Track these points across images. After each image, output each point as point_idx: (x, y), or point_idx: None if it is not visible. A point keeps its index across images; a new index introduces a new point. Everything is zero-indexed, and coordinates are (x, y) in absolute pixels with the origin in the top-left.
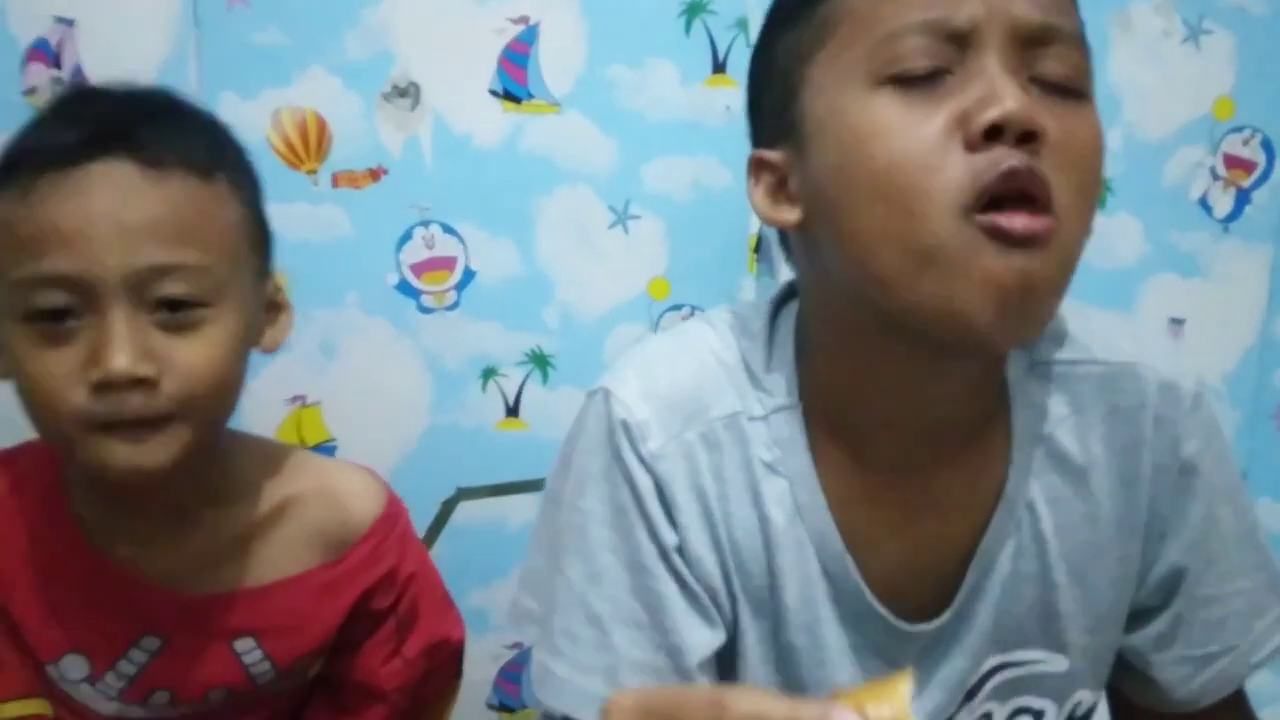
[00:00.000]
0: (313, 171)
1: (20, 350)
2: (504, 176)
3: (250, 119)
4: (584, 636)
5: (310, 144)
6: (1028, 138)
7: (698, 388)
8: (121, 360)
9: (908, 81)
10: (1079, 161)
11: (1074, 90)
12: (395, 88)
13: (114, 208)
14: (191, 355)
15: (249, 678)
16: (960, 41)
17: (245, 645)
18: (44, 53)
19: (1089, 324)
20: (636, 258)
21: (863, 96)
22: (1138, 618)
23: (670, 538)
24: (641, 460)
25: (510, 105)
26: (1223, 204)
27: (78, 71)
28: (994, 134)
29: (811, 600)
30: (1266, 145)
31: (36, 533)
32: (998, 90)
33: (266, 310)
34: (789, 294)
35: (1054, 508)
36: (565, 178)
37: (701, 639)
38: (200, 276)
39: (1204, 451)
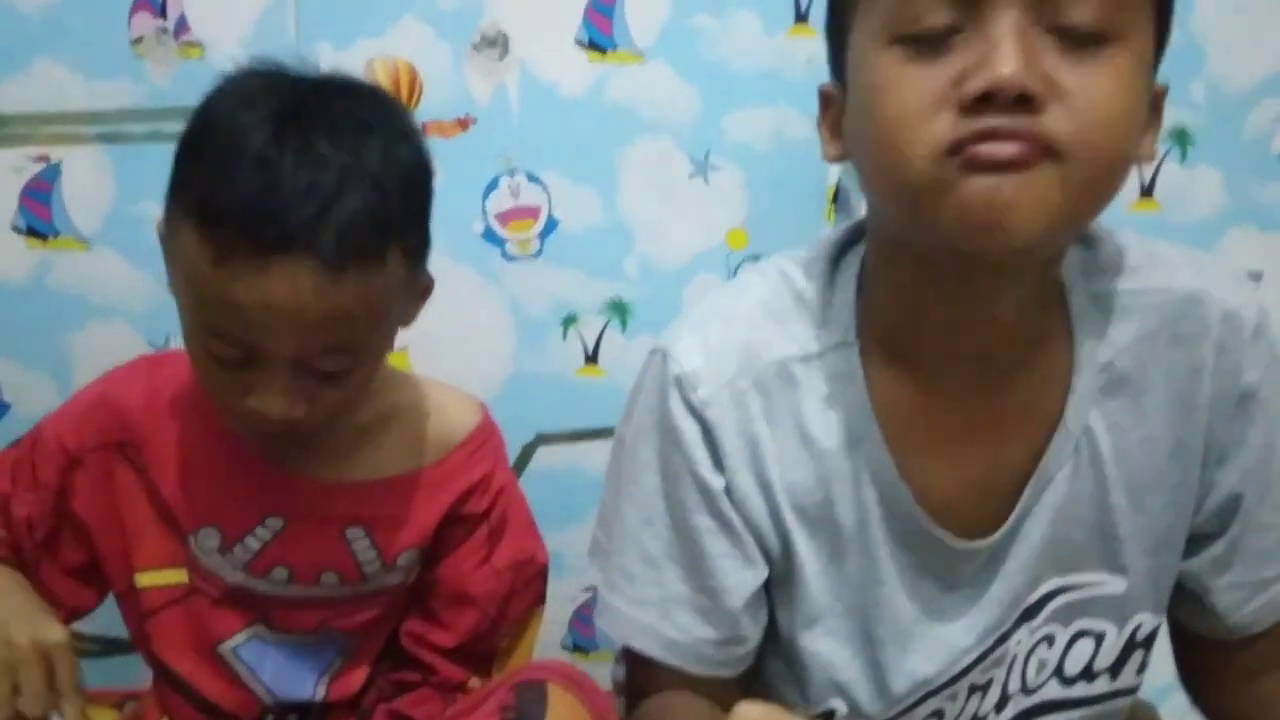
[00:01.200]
0: None
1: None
2: (588, 126)
3: (346, 68)
4: (639, 574)
5: (402, 93)
6: (1023, 100)
7: (747, 338)
8: None
9: (917, 41)
10: (1093, 107)
11: (1102, 34)
12: (484, 37)
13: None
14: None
15: (357, 564)
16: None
17: (355, 534)
18: (150, 3)
19: (1155, 253)
20: (716, 208)
21: (877, 53)
22: (1196, 543)
23: (716, 482)
24: (690, 408)
25: (595, 55)
26: None
27: (181, 22)
28: (986, 99)
29: (867, 525)
30: None
31: (184, 422)
32: (995, 54)
33: (420, 294)
34: (855, 237)
35: (1113, 433)
36: (648, 128)
37: (741, 580)
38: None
39: (1264, 380)
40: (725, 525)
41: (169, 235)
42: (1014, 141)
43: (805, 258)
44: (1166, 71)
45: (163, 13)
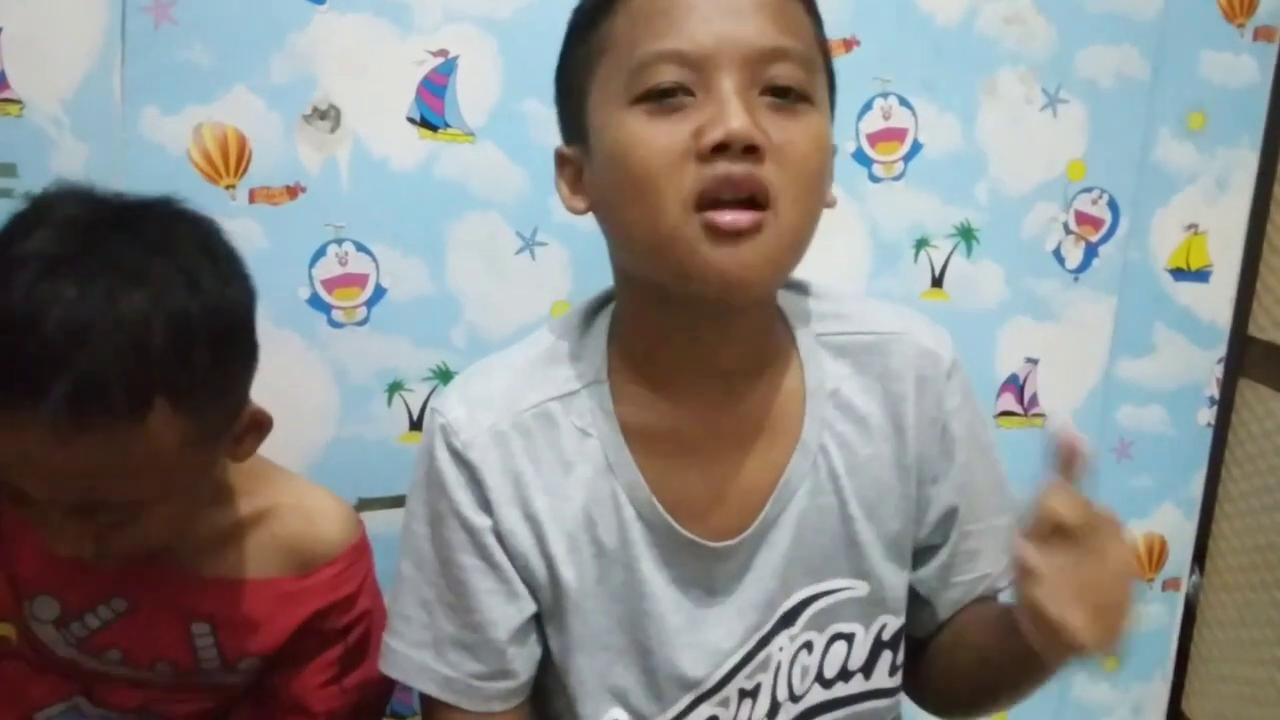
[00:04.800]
0: (231, 186)
1: None
2: (418, 200)
3: (172, 133)
4: (414, 617)
5: (230, 160)
6: (750, 150)
7: (507, 385)
8: None
9: (656, 101)
10: (796, 162)
11: (802, 95)
12: (316, 110)
13: None
14: None
15: (195, 660)
16: (699, 67)
17: (201, 629)
18: None
19: (866, 305)
20: (542, 282)
21: (621, 114)
22: (924, 554)
23: (482, 521)
24: (454, 453)
25: (426, 133)
26: (1074, 256)
27: (0, 78)
28: (721, 149)
29: (628, 541)
30: (1112, 204)
31: None
32: (725, 112)
33: (245, 432)
34: (607, 299)
35: (844, 452)
36: (476, 204)
37: (505, 614)
38: None
39: (961, 408)
40: (489, 563)
41: None
42: (747, 211)
43: (559, 322)
44: (954, 177)
45: None
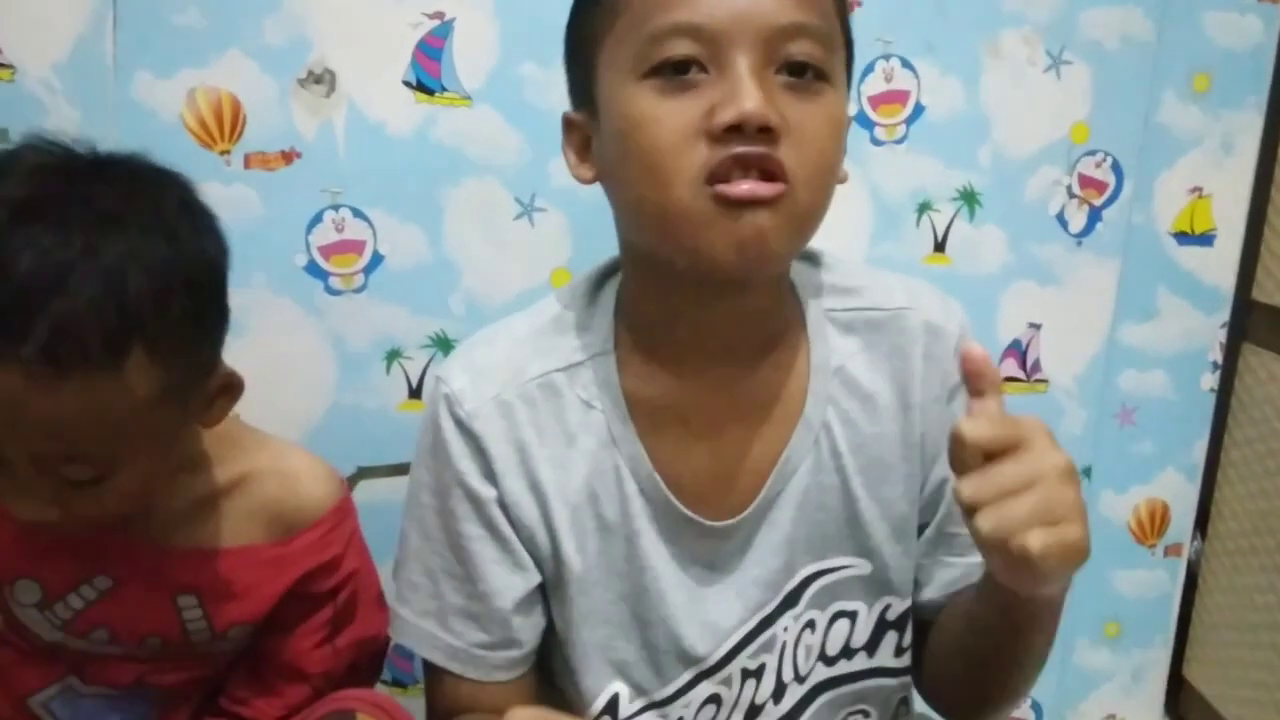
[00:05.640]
0: (225, 152)
1: None
2: (414, 165)
3: (165, 98)
4: (421, 586)
5: (224, 125)
6: (764, 131)
7: (510, 354)
8: None
9: (667, 77)
10: (812, 141)
11: (820, 73)
12: (311, 74)
13: None
14: None
15: (184, 633)
16: (713, 42)
17: (187, 602)
18: None
19: (875, 278)
20: (540, 248)
21: (632, 87)
22: (919, 531)
23: (487, 491)
24: (458, 423)
25: (423, 96)
26: (1077, 220)
27: None
28: (734, 130)
29: (629, 515)
30: (1116, 168)
31: None
32: (739, 92)
33: (216, 394)
34: (614, 268)
35: (848, 429)
36: (474, 169)
37: (510, 584)
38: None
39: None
40: (494, 533)
41: None
42: (765, 182)
43: (566, 290)
44: (957, 140)
45: None
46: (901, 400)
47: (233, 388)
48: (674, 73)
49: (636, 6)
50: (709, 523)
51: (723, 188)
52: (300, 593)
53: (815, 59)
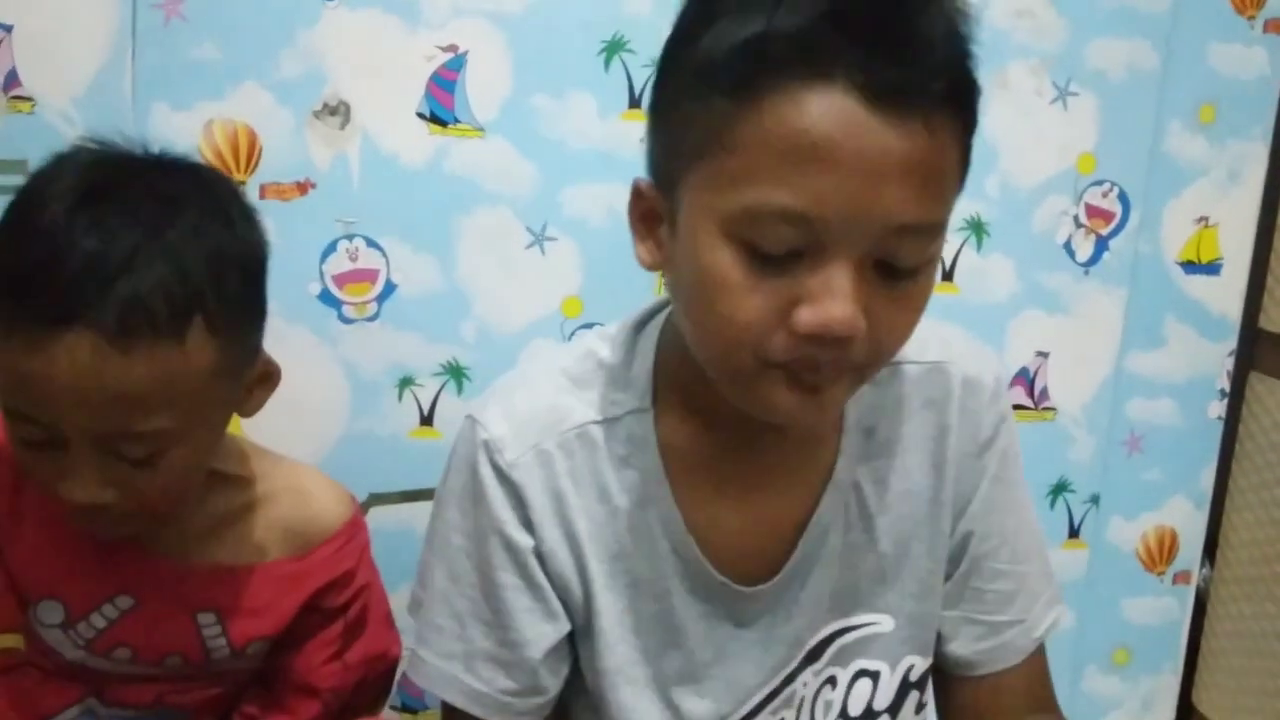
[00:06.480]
0: (242, 182)
1: None
2: (428, 195)
3: (182, 130)
4: (446, 628)
5: (240, 156)
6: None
7: (551, 403)
8: None
9: (758, 258)
10: (894, 331)
11: (924, 265)
12: (326, 106)
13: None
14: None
15: (204, 650)
16: (818, 234)
17: (207, 619)
18: None
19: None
20: (552, 277)
21: (717, 238)
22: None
23: (524, 540)
24: (498, 471)
25: (436, 128)
26: (1084, 249)
27: (12, 75)
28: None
29: (662, 574)
30: (1123, 197)
31: (37, 491)
32: (831, 299)
33: (256, 382)
34: (657, 309)
35: (878, 488)
36: (487, 199)
37: (542, 633)
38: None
39: (998, 433)
40: (529, 581)
41: None
42: (837, 371)
43: (609, 332)
44: None
45: None
46: (934, 458)
47: (271, 376)
48: (766, 258)
49: (744, 149)
50: (740, 588)
51: (792, 371)
52: (314, 607)
53: (922, 260)
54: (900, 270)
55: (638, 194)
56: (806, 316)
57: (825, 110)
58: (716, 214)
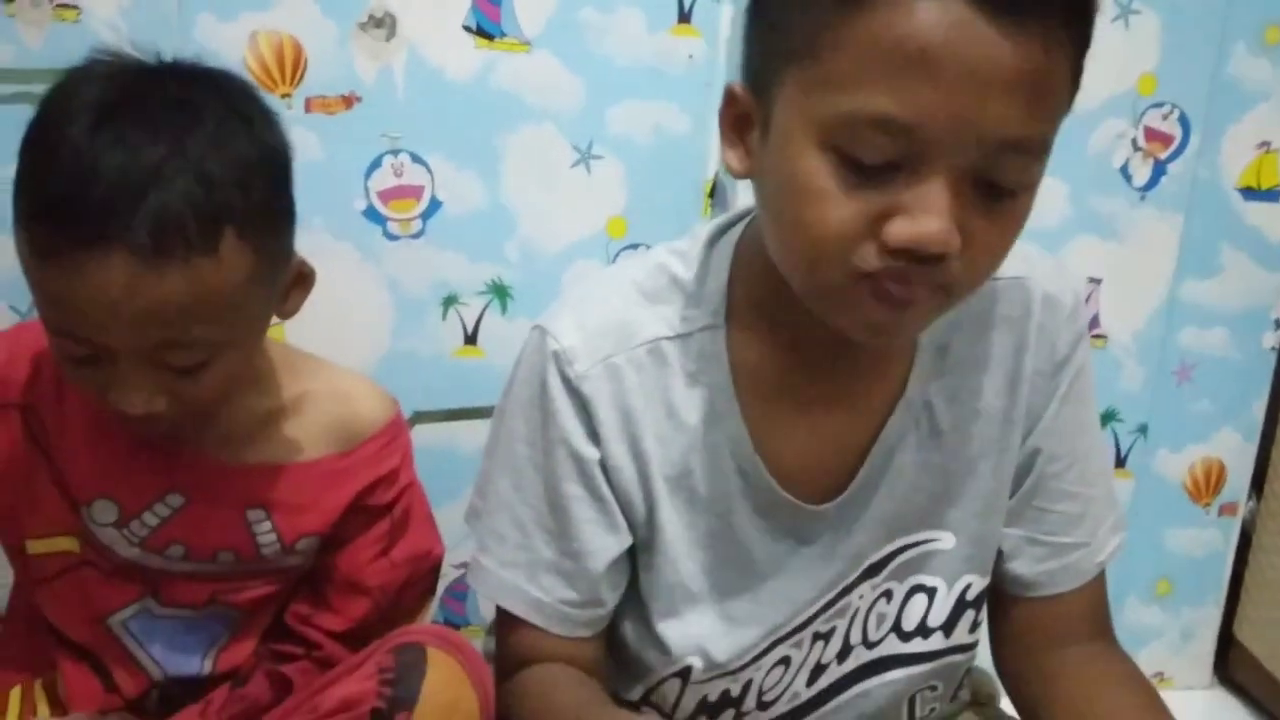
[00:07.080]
0: (287, 95)
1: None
2: (473, 111)
3: (227, 41)
4: (509, 537)
5: (285, 68)
6: (940, 255)
7: (623, 317)
8: None
9: (853, 168)
10: (989, 252)
11: (1026, 184)
12: (371, 18)
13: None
14: None
15: (255, 546)
16: (919, 145)
17: (256, 515)
18: None
19: None
20: (597, 197)
21: (810, 148)
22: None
23: (590, 452)
24: (567, 382)
25: (483, 42)
26: (1141, 173)
27: None
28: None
29: (726, 491)
30: (1184, 121)
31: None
32: (927, 212)
33: (292, 284)
34: (731, 223)
35: (949, 405)
36: (532, 115)
37: (604, 545)
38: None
39: (1075, 351)
40: (594, 493)
41: (15, 232)
42: (927, 289)
43: (682, 246)
44: None
45: None
46: (1009, 376)
47: (306, 278)
48: (861, 168)
49: (849, 50)
50: (806, 506)
51: (882, 283)
52: (360, 506)
53: (1025, 179)
54: (1001, 189)
55: (730, 98)
56: (899, 229)
57: (938, 16)
58: (812, 120)
